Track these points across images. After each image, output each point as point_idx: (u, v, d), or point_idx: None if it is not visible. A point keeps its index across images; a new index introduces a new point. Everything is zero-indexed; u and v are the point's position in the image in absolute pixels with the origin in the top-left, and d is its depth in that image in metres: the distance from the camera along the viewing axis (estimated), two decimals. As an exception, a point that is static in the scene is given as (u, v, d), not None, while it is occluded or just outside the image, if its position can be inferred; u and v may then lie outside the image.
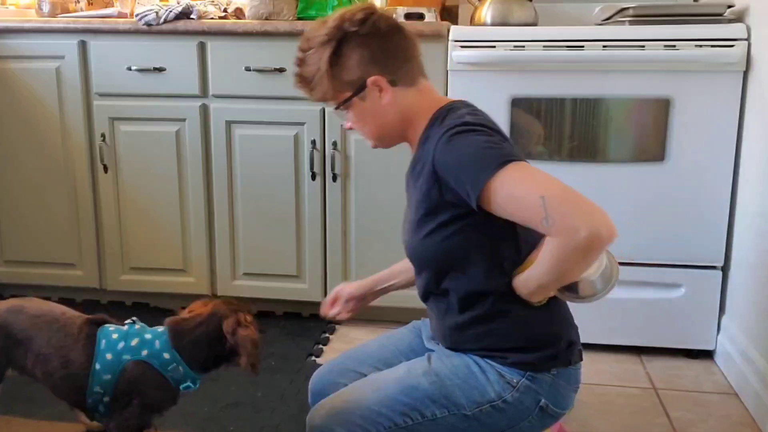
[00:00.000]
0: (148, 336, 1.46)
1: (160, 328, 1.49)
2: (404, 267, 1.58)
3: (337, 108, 1.31)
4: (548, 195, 1.08)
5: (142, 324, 1.51)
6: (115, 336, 1.45)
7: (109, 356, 1.42)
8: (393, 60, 1.27)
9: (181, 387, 1.47)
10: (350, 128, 1.36)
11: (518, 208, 1.12)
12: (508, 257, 1.25)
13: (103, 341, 1.44)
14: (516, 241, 1.24)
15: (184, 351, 1.45)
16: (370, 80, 1.26)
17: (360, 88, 1.27)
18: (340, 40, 1.26)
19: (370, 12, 1.27)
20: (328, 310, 1.58)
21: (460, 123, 1.20)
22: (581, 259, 1.11)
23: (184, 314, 1.51)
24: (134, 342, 1.44)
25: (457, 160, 1.17)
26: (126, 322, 1.51)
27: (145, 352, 1.44)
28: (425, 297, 1.38)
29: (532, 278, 1.20)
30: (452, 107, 1.28)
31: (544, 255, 1.14)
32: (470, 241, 1.24)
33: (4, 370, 1.47)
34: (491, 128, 1.21)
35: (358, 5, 1.29)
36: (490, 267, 1.25)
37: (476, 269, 1.25)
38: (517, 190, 1.12)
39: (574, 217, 1.07)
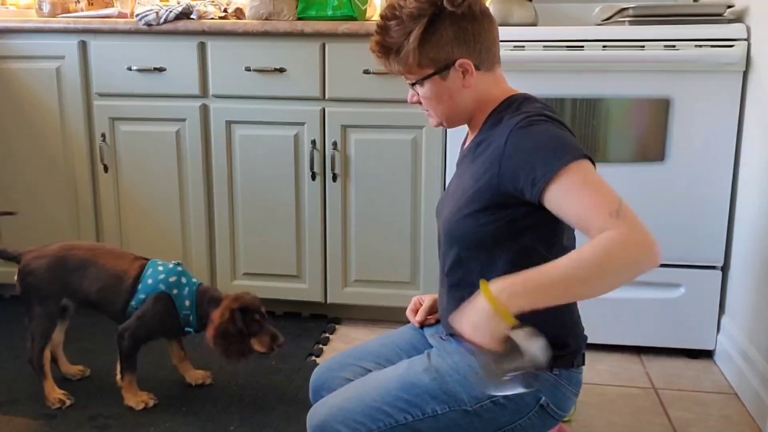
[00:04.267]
0: (183, 280, 1.83)
1: (196, 281, 1.86)
2: None
3: (414, 84, 1.29)
4: (621, 198, 1.07)
5: (185, 268, 1.88)
6: (160, 268, 1.83)
7: (150, 281, 1.81)
8: (480, 44, 1.25)
9: (185, 329, 1.84)
10: (415, 102, 1.33)
11: (585, 199, 1.07)
12: (536, 262, 1.23)
13: (150, 269, 1.83)
14: (550, 249, 1.24)
15: (200, 307, 1.81)
16: (459, 62, 1.24)
17: (445, 67, 1.24)
18: (433, 17, 1.22)
19: None
20: (417, 317, 1.54)
21: (538, 113, 1.19)
22: (633, 259, 1.03)
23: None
24: (172, 279, 1.82)
25: (534, 145, 1.15)
26: (173, 261, 1.87)
27: (175, 291, 1.81)
28: (446, 274, 1.36)
29: (544, 271, 1.08)
30: (528, 98, 1.27)
31: (585, 249, 1.04)
32: (504, 234, 1.23)
33: (61, 298, 1.85)
34: (567, 128, 1.21)
35: None
36: (515, 264, 1.24)
37: (501, 262, 1.25)
38: (592, 183, 1.09)
39: (641, 224, 1.04)
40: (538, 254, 1.24)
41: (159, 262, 1.86)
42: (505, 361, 1.01)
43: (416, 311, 1.53)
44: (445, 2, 1.22)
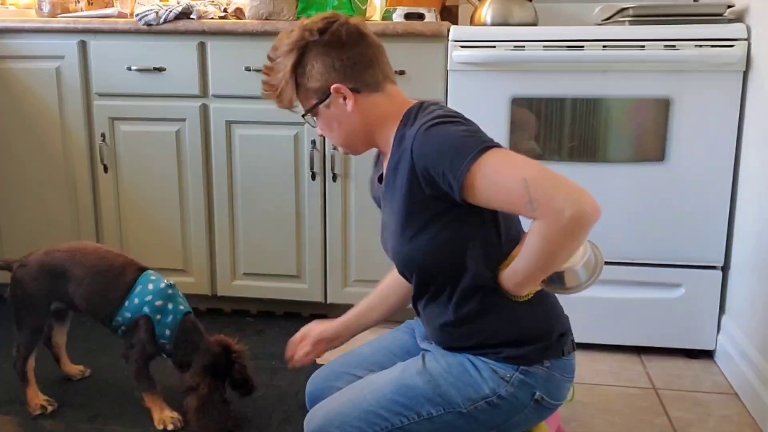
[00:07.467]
0: (170, 306, 1.73)
1: (183, 309, 1.75)
2: (390, 287, 1.59)
3: (304, 115, 1.35)
4: (530, 177, 1.09)
5: (176, 291, 1.77)
6: (150, 287, 1.73)
7: (136, 301, 1.71)
8: (354, 67, 1.28)
9: (162, 354, 1.75)
10: (321, 135, 1.40)
11: (501, 194, 1.12)
12: (493, 252, 1.25)
13: (139, 287, 1.73)
14: (499, 236, 1.25)
15: (179, 340, 1.72)
16: (332, 88, 1.28)
17: (324, 95, 1.29)
18: (303, 49, 1.28)
19: (332, 21, 1.29)
20: (293, 352, 1.61)
21: (433, 116, 1.21)
22: (568, 240, 1.11)
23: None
24: (158, 303, 1.72)
25: (436, 151, 1.17)
26: (166, 281, 1.77)
27: (159, 317, 1.71)
28: (415, 300, 1.39)
29: (518, 270, 1.21)
30: (422, 106, 1.29)
31: (530, 241, 1.14)
32: (455, 237, 1.24)
33: (50, 306, 1.81)
34: (465, 120, 1.23)
35: (321, 14, 1.32)
36: (476, 262, 1.25)
37: (463, 266, 1.26)
38: (499, 175, 1.12)
39: (559, 198, 1.07)
40: (493, 249, 1.26)
41: (152, 277, 1.76)
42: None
43: (300, 342, 1.61)
44: (307, 33, 1.28)
